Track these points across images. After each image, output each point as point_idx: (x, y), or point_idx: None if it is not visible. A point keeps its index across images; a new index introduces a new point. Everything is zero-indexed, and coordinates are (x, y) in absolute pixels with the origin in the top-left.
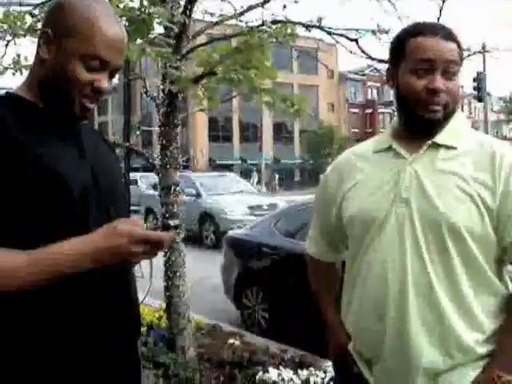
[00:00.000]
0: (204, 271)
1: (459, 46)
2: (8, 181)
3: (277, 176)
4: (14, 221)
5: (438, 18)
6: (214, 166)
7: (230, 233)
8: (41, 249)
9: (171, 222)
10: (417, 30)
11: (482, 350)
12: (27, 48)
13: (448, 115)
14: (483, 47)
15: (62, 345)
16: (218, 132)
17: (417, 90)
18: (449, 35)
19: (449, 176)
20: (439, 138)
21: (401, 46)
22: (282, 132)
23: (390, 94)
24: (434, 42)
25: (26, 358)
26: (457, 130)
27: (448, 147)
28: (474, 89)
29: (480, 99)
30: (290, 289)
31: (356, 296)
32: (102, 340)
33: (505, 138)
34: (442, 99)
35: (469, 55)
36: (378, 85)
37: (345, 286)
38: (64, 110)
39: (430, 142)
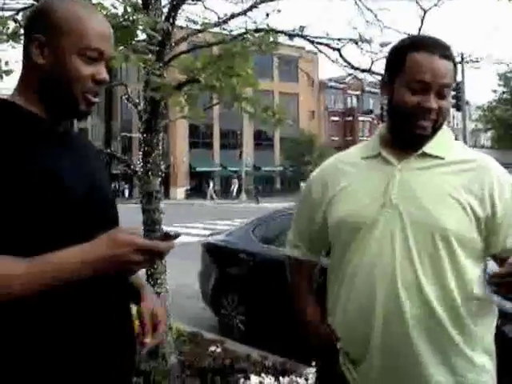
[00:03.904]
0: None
1: (455, 64)
2: (10, 192)
3: (236, 182)
4: (15, 230)
5: (420, 28)
6: (194, 172)
7: (208, 239)
8: (40, 257)
9: (171, 232)
10: (416, 45)
11: (468, 349)
12: (6, 53)
13: (436, 130)
14: (462, 57)
15: (56, 353)
16: (199, 139)
17: (410, 106)
18: (446, 54)
19: (438, 183)
20: (427, 148)
21: (399, 58)
22: (262, 139)
23: (369, 103)
24: (431, 63)
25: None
26: (444, 142)
27: (436, 157)
28: (453, 98)
29: (459, 108)
30: (267, 295)
31: (342, 299)
32: (99, 354)
33: (482, 147)
34: (432, 117)
35: None
36: (358, 93)
37: (329, 291)
38: (68, 109)
39: (419, 151)
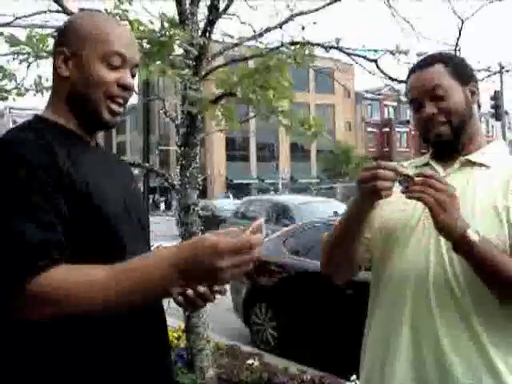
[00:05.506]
0: None
1: (446, 63)
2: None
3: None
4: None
5: (458, 38)
6: (231, 185)
7: None
8: (118, 264)
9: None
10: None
11: (501, 363)
12: (47, 69)
13: (458, 130)
14: (501, 67)
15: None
16: (236, 151)
17: (417, 123)
18: (430, 61)
19: (480, 192)
20: (473, 156)
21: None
22: (298, 151)
23: (406, 113)
24: (413, 81)
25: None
26: (493, 152)
27: (482, 165)
28: (492, 107)
29: (498, 117)
30: (297, 306)
31: (379, 301)
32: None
33: None
34: (439, 120)
35: (488, 75)
36: (395, 104)
37: (370, 297)
38: (93, 118)
39: (463, 158)
